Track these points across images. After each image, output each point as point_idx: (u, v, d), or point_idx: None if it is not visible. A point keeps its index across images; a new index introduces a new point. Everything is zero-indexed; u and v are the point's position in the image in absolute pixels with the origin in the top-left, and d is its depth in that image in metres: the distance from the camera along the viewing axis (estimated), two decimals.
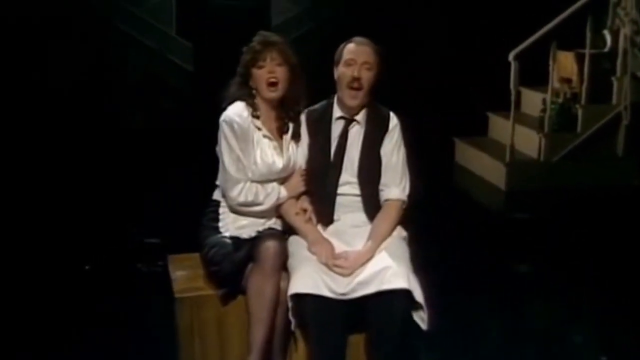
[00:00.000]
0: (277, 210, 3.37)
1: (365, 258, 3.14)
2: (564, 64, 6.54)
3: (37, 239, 5.08)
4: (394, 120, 3.37)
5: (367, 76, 3.25)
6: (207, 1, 7.52)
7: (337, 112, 3.35)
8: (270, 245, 3.11)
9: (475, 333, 3.90)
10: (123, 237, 5.09)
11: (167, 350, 3.40)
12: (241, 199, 3.23)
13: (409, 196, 3.36)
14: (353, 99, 3.27)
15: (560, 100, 6.34)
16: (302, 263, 3.14)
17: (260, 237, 3.19)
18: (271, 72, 3.25)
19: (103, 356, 3.67)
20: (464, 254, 4.87)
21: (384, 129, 3.35)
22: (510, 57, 6.04)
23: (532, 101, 6.75)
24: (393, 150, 3.34)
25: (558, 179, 6.15)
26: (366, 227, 3.28)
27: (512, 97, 6.17)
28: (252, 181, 3.28)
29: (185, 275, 3.39)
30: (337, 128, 3.35)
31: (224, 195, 3.33)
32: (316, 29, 7.42)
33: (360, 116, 3.34)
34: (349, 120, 3.34)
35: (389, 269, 3.04)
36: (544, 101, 6.36)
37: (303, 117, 3.40)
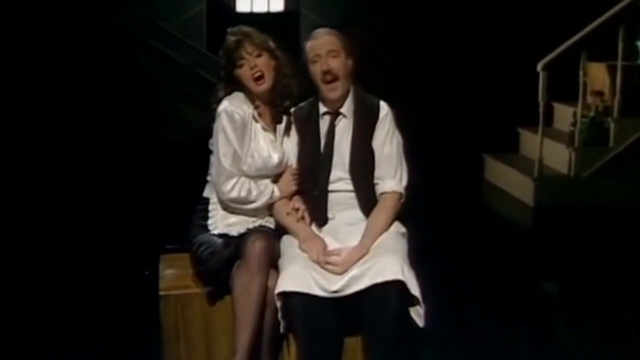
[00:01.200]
0: (269, 209, 3.31)
1: (359, 255, 3.03)
2: (596, 76, 6.38)
3: (64, 245, 5.14)
4: (384, 109, 3.26)
5: (336, 64, 3.17)
6: (238, 17, 7.58)
7: (322, 108, 3.29)
8: (257, 242, 3.05)
9: (496, 348, 3.74)
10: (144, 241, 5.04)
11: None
12: (233, 194, 3.18)
13: (407, 189, 3.25)
14: (332, 91, 3.20)
15: (591, 113, 6.18)
16: (291, 260, 3.05)
17: (247, 233, 3.13)
18: (253, 67, 3.19)
19: (98, 355, 3.68)
20: (488, 269, 4.75)
21: (373, 119, 3.24)
22: (539, 67, 5.92)
23: (565, 116, 6.59)
24: (385, 141, 3.23)
25: (588, 195, 5.99)
26: (361, 225, 3.17)
27: (541, 109, 6.03)
28: (246, 176, 3.23)
29: (173, 273, 3.37)
30: (324, 124, 3.29)
31: (215, 192, 3.28)
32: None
33: (346, 108, 3.26)
34: (334, 115, 3.27)
35: (382, 261, 2.94)
36: (574, 114, 6.20)
37: (291, 115, 3.35)
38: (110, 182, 6.40)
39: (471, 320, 3.69)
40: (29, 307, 4.17)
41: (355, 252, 3.04)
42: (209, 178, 3.33)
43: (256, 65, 3.19)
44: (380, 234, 3.13)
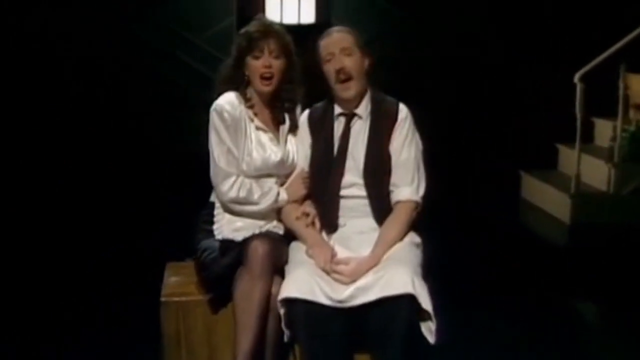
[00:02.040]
0: (278, 213, 3.22)
1: (369, 265, 2.94)
2: (637, 88, 6.16)
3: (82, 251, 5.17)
4: (403, 111, 3.16)
5: (350, 62, 3.10)
6: None
7: (337, 109, 3.21)
8: (259, 246, 2.96)
9: None
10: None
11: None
12: (232, 194, 3.11)
13: (424, 198, 3.14)
14: (345, 90, 3.12)
15: (632, 128, 5.96)
16: (297, 266, 2.96)
17: (250, 238, 3.04)
18: (267, 67, 3.16)
19: (98, 355, 3.71)
20: (522, 288, 4.66)
21: (391, 121, 3.13)
22: (576, 78, 5.74)
23: (606, 132, 6.39)
24: (403, 145, 3.12)
25: (628, 214, 5.75)
26: (374, 234, 3.07)
27: (578, 122, 5.83)
28: (248, 177, 3.15)
29: (177, 280, 3.33)
30: (339, 126, 3.20)
31: (215, 194, 3.22)
32: (382, 60, 7.25)
33: (362, 109, 3.18)
34: (350, 116, 3.17)
35: (392, 273, 2.82)
36: (614, 129, 6.00)
37: (305, 117, 3.28)
38: (110, 182, 6.40)
39: (504, 339, 3.68)
40: (29, 307, 4.20)
41: (365, 262, 2.94)
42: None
43: (271, 65, 3.16)
44: (393, 244, 3.02)
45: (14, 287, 4.43)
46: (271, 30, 3.17)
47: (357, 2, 6.86)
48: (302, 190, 3.22)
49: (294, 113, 3.28)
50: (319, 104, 3.29)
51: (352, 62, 3.09)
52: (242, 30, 3.20)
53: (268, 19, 3.29)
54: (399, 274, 2.81)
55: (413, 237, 3.13)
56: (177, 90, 6.69)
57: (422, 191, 3.15)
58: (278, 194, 3.17)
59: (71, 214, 5.81)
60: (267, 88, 3.17)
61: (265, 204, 3.14)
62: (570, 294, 4.64)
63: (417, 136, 3.19)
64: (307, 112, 3.29)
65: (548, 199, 6.30)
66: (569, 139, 6.17)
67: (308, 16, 6.44)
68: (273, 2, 6.44)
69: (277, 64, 3.15)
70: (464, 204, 6.33)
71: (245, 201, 3.12)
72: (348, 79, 3.09)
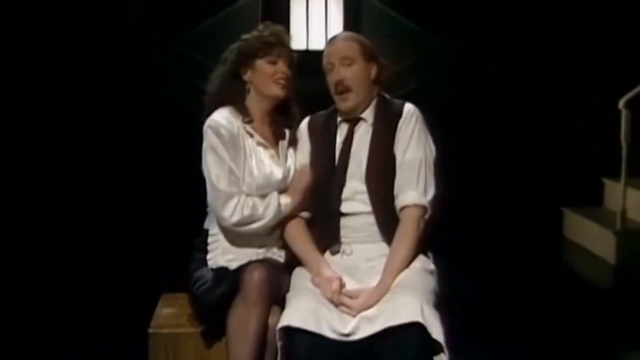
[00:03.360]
0: (280, 239, 3.00)
1: (379, 297, 2.71)
2: None
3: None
4: (408, 109, 2.97)
5: (350, 74, 2.96)
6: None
7: (340, 115, 3.06)
8: (255, 271, 2.75)
9: None
10: None
11: None
12: (235, 217, 2.89)
13: (433, 203, 2.88)
14: (343, 102, 2.97)
15: None
16: (300, 293, 2.75)
17: (246, 264, 2.83)
18: (282, 73, 2.99)
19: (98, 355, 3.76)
20: (564, 332, 4.36)
21: (396, 120, 2.95)
22: (620, 104, 5.46)
23: None
24: (409, 144, 2.91)
25: None
26: (383, 260, 2.83)
27: (624, 152, 5.53)
28: (248, 195, 2.94)
29: (170, 312, 3.16)
30: (342, 131, 3.03)
31: (216, 221, 3.00)
32: (419, 89, 7.01)
33: (368, 114, 3.01)
34: (354, 120, 3.00)
35: (399, 301, 2.61)
36: None
37: (304, 124, 3.12)
38: (110, 182, 6.35)
39: None
40: (29, 307, 4.26)
41: (375, 294, 2.72)
42: (208, 209, 3.06)
43: (285, 73, 3.00)
44: (403, 267, 2.79)
45: (14, 287, 4.48)
46: (286, 38, 3.06)
47: (389, 26, 6.66)
48: (304, 183, 2.99)
49: (292, 127, 3.12)
50: (322, 112, 3.15)
51: (352, 72, 2.96)
52: (250, 35, 3.04)
53: (281, 28, 3.09)
54: (407, 303, 2.59)
55: (426, 264, 2.91)
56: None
57: (430, 195, 2.90)
58: (279, 200, 2.95)
59: (71, 213, 5.85)
60: (283, 91, 3.00)
61: (269, 215, 2.91)
62: (614, 340, 4.34)
63: (427, 138, 2.97)
64: (307, 119, 3.15)
65: (592, 237, 5.97)
66: (615, 172, 5.83)
67: None
68: (299, 29, 6.31)
69: (290, 74, 3.02)
70: (504, 241, 6.03)
71: (251, 219, 2.89)
72: (346, 90, 2.95)
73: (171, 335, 2.91)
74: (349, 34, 3.10)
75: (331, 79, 2.98)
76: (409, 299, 2.60)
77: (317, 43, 6.26)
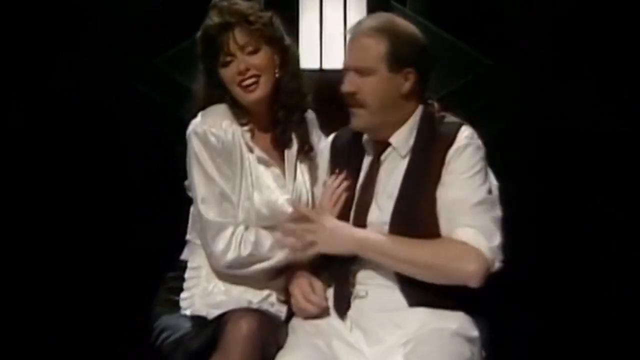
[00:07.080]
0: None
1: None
2: None
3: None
4: (464, 136, 2.32)
5: (367, 86, 2.32)
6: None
7: (366, 135, 2.48)
8: (243, 321, 2.19)
9: None
10: None
11: None
12: (230, 255, 2.31)
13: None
14: (352, 117, 2.39)
15: None
16: (293, 349, 2.26)
17: (230, 311, 2.28)
18: (243, 72, 2.37)
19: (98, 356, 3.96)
20: None
21: (444, 150, 2.30)
22: None
23: None
24: (462, 185, 2.26)
25: None
26: (403, 313, 2.24)
27: None
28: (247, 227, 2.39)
29: None
30: (369, 156, 2.46)
31: (208, 261, 2.42)
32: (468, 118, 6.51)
33: (400, 139, 2.38)
34: (382, 145, 2.40)
35: None
36: None
37: (328, 142, 2.59)
38: (110, 182, 5.89)
39: None
40: (29, 307, 4.25)
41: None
42: (188, 237, 2.55)
43: (248, 68, 2.37)
44: (403, 257, 2.23)
45: (14, 287, 4.41)
46: (231, 16, 2.36)
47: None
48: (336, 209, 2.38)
49: (302, 127, 2.52)
50: (348, 127, 2.51)
51: (369, 86, 2.32)
52: (198, 33, 2.43)
53: (229, 2, 2.39)
54: None
55: (466, 328, 2.25)
56: None
57: (497, 242, 2.22)
58: None
59: (71, 213, 5.44)
60: (253, 95, 2.39)
61: (278, 255, 2.34)
62: None
63: (489, 175, 2.35)
64: (332, 135, 2.59)
65: None
66: None
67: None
68: (311, 45, 5.78)
69: (257, 61, 2.38)
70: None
71: (251, 260, 2.34)
72: (357, 105, 2.34)
73: None
74: (379, 21, 2.38)
75: (342, 87, 2.36)
76: None
77: (334, 61, 5.63)
